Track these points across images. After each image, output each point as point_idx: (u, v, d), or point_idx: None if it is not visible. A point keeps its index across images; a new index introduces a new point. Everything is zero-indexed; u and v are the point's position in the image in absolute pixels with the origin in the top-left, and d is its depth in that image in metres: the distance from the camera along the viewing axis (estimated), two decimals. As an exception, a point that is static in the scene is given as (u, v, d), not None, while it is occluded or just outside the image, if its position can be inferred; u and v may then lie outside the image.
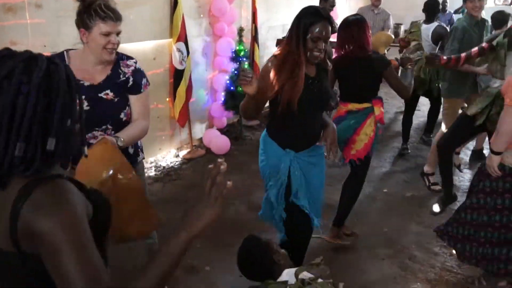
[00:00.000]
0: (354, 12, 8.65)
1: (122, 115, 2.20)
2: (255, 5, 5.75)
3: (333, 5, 5.48)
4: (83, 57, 2.09)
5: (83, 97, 1.83)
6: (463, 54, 3.66)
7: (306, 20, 2.23)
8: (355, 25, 3.00)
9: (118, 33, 2.04)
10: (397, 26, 10.29)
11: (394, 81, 3.02)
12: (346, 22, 3.08)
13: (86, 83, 2.09)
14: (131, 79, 2.21)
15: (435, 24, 4.89)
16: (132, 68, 2.23)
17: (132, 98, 2.23)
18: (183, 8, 4.61)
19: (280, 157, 2.39)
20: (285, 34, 4.63)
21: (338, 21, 8.43)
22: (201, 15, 5.12)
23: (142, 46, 4.37)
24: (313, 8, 2.29)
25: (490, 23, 4.59)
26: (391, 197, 4.20)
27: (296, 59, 2.22)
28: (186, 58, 4.75)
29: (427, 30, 4.92)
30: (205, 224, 1.04)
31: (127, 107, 2.23)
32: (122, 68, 2.20)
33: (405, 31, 6.43)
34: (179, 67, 4.69)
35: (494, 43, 3.37)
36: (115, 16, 1.98)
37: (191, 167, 4.86)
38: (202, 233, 1.06)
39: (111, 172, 1.78)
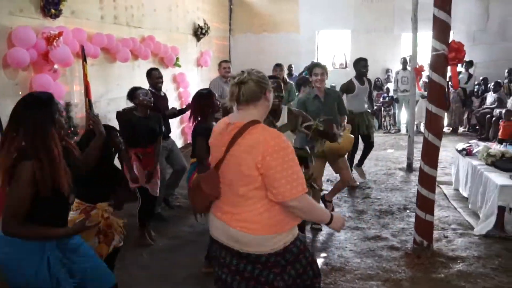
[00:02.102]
0: (204, 80, 9.09)
1: None
2: (87, 79, 5.59)
3: (158, 80, 5.45)
4: None
5: None
6: None
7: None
8: (207, 97, 3.78)
9: None
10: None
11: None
12: (200, 94, 3.84)
13: None
14: None
15: None
16: None
17: None
18: (-7, 86, 4.27)
19: (38, 256, 2.11)
20: (129, 105, 4.59)
21: (189, 89, 8.72)
22: (20, 93, 4.79)
23: None
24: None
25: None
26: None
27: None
28: None
29: None
30: None
31: None
32: None
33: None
34: (-9, 149, 4.25)
35: None
36: None
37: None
38: None
39: None
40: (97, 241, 2.94)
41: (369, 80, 6.37)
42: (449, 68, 3.67)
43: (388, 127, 10.81)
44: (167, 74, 8.18)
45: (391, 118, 10.88)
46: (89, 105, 5.65)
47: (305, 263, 2.15)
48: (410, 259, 3.92)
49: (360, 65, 6.16)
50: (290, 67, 10.93)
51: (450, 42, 3.53)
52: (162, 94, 5.55)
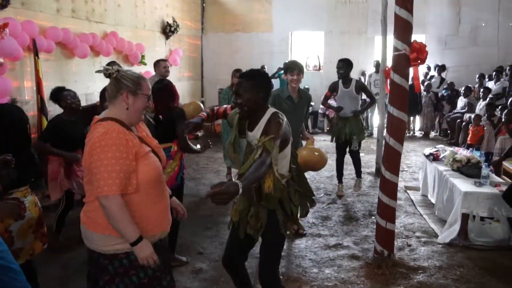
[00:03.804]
0: (173, 79, 8.76)
1: None
2: (39, 75, 5.26)
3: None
4: None
5: None
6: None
7: None
8: (165, 88, 3.79)
9: None
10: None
11: (178, 129, 3.58)
12: (161, 85, 3.84)
13: None
14: None
15: None
16: None
17: None
18: None
19: None
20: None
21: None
22: (-41, 88, 4.45)
23: None
24: None
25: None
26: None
27: None
28: None
29: None
30: None
31: None
32: None
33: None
34: None
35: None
36: None
37: None
38: None
39: None
40: (33, 237, 2.81)
41: (358, 83, 5.82)
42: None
43: (361, 131, 10.70)
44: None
45: (364, 122, 10.77)
46: (41, 103, 5.33)
47: (137, 283, 2.07)
48: (370, 269, 3.74)
49: (336, 66, 5.77)
50: (262, 68, 10.74)
51: (412, 42, 3.37)
52: None
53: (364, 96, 6.64)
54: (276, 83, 10.61)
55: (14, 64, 5.11)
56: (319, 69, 11.59)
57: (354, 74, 11.17)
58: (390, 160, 3.61)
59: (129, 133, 2.06)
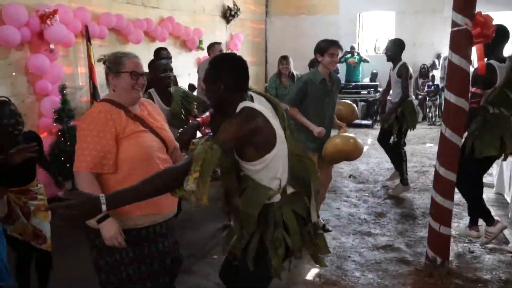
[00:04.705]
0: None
1: None
2: (91, 61, 5.33)
3: (169, 56, 5.14)
4: None
5: None
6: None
7: None
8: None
9: None
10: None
11: None
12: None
13: None
14: None
15: None
16: None
17: None
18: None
19: None
20: None
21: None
22: (14, 73, 4.59)
23: None
24: None
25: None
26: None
27: None
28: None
29: None
30: None
31: None
32: None
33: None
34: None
35: None
36: None
37: None
38: None
39: None
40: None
41: (401, 67, 4.96)
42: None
43: (433, 119, 9.87)
44: (190, 57, 7.84)
45: (437, 109, 9.91)
46: (93, 89, 5.41)
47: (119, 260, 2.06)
48: (420, 277, 3.29)
49: None
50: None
51: (475, 14, 2.83)
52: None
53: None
54: (342, 68, 10.08)
55: (67, 50, 5.23)
56: (389, 52, 10.81)
57: (429, 57, 10.40)
58: (446, 154, 3.12)
59: (117, 112, 2.06)
